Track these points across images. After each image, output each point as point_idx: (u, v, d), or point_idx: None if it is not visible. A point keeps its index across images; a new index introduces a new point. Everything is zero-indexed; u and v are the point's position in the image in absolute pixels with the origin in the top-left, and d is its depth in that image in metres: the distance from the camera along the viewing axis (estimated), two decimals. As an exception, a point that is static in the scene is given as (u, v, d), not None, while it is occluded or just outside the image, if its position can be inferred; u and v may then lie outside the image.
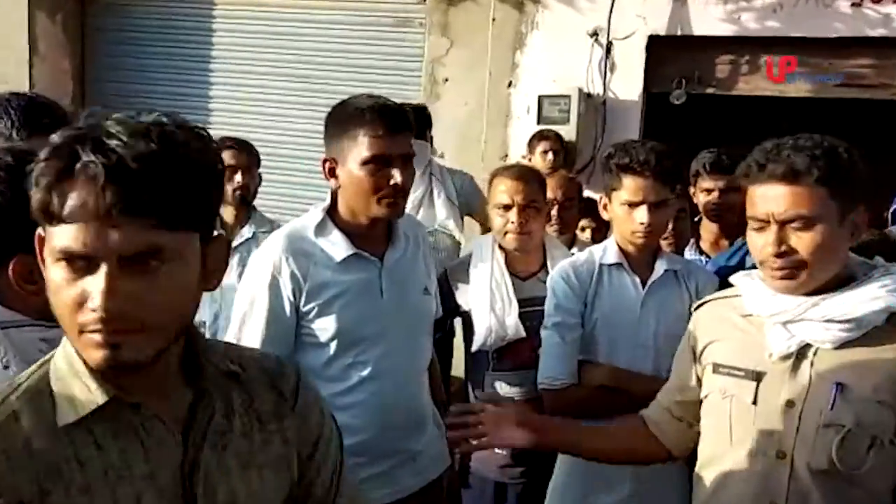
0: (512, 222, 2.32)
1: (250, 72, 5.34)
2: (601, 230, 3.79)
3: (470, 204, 3.74)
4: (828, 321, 1.38)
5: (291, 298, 1.81)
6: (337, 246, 1.84)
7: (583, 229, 3.80)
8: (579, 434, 1.78)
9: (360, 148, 1.77)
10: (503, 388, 2.37)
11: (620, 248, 2.10)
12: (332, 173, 1.84)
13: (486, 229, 3.67)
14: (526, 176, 2.38)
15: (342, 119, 1.81)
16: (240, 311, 1.86)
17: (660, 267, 2.08)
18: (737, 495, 1.47)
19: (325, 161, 1.85)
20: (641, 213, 2.00)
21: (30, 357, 1.09)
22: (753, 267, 1.92)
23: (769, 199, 1.40)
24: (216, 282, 0.97)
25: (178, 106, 5.45)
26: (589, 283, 2.10)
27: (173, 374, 0.97)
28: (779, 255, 1.39)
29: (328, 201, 1.91)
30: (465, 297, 2.44)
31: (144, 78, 5.55)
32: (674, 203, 2.10)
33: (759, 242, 1.43)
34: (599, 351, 2.09)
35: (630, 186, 2.00)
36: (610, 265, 2.10)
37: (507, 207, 2.33)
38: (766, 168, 1.40)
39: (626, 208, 2.02)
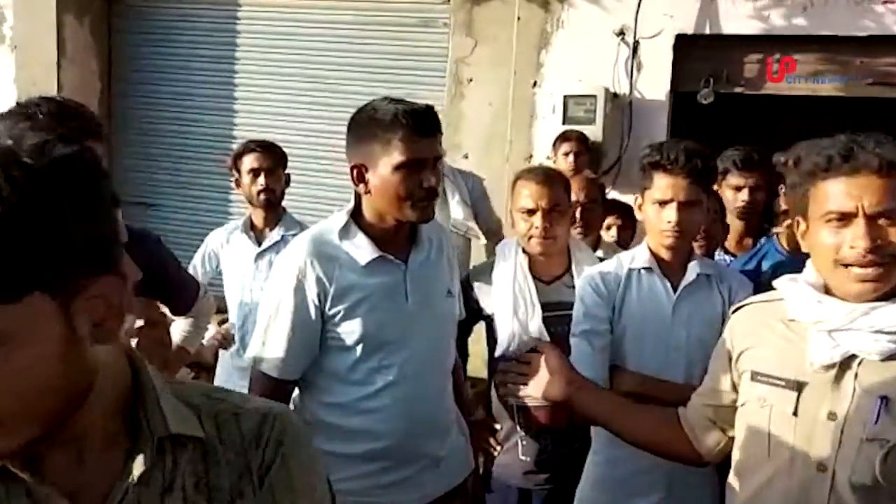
0: (536, 227, 2.29)
1: (274, 72, 5.35)
2: (627, 228, 3.75)
3: (476, 207, 3.69)
4: (877, 332, 1.32)
5: (317, 302, 1.79)
6: (361, 249, 1.82)
7: (608, 227, 3.76)
8: (613, 406, 1.77)
9: (393, 153, 1.74)
10: (527, 394, 2.34)
11: (652, 253, 2.06)
12: (360, 179, 1.81)
13: (491, 236, 3.65)
14: (550, 179, 2.35)
15: (371, 124, 1.78)
16: (265, 316, 1.85)
17: (692, 271, 2.02)
18: None
19: (353, 167, 1.82)
20: (670, 212, 1.95)
21: None
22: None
23: (858, 191, 1.33)
24: (114, 332, 0.77)
25: (202, 107, 5.51)
26: (617, 288, 2.06)
27: (102, 440, 0.80)
28: (871, 250, 1.31)
29: (352, 205, 1.89)
30: (489, 300, 2.42)
31: (170, 79, 5.59)
32: (706, 204, 2.05)
33: (840, 239, 1.35)
34: (629, 357, 2.04)
35: (660, 185, 1.96)
36: (640, 269, 2.06)
37: (531, 212, 2.31)
38: (852, 160, 1.34)
39: (656, 207, 1.98)
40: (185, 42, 5.53)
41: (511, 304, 2.31)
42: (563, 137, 4.09)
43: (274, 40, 5.33)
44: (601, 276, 2.09)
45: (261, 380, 1.85)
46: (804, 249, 1.48)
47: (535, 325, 2.29)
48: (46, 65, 5.45)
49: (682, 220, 1.95)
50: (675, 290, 2.03)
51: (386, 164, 1.75)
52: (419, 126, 1.75)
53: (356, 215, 1.87)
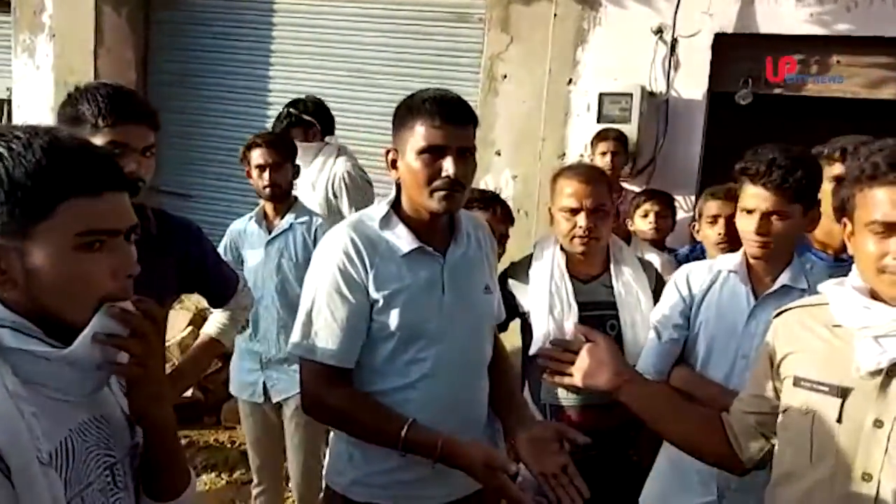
0: (580, 226, 2.27)
1: (308, 65, 5.38)
2: (666, 217, 3.70)
3: None
4: None
5: (363, 285, 1.78)
6: (401, 239, 1.81)
7: (645, 215, 3.71)
8: (658, 403, 1.76)
9: (416, 138, 1.75)
10: (560, 394, 2.32)
11: (747, 259, 2.03)
12: (393, 165, 1.83)
13: None
14: (594, 178, 2.32)
15: (404, 110, 1.80)
16: (309, 305, 1.81)
17: (779, 281, 1.98)
18: None
19: (387, 152, 1.84)
20: (750, 222, 1.93)
21: (21, 370, 1.02)
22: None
23: None
24: None
25: (238, 98, 5.55)
26: (699, 287, 2.07)
27: None
28: None
29: (392, 195, 1.89)
30: (525, 298, 2.40)
31: (206, 70, 5.65)
32: (798, 214, 1.93)
33: (883, 248, 1.33)
34: (698, 356, 2.05)
35: (746, 193, 1.95)
36: (728, 272, 2.05)
37: (574, 211, 2.28)
38: None
39: (743, 215, 1.97)
40: (222, 34, 5.58)
41: (547, 302, 2.29)
42: (601, 136, 4.06)
43: (309, 32, 5.36)
44: (690, 271, 2.12)
45: (320, 373, 1.79)
46: (849, 252, 1.45)
47: (571, 325, 2.27)
48: (84, 53, 5.55)
49: (764, 230, 1.92)
50: (756, 297, 1.99)
51: (411, 149, 1.76)
52: (443, 113, 1.73)
53: (396, 206, 1.87)
